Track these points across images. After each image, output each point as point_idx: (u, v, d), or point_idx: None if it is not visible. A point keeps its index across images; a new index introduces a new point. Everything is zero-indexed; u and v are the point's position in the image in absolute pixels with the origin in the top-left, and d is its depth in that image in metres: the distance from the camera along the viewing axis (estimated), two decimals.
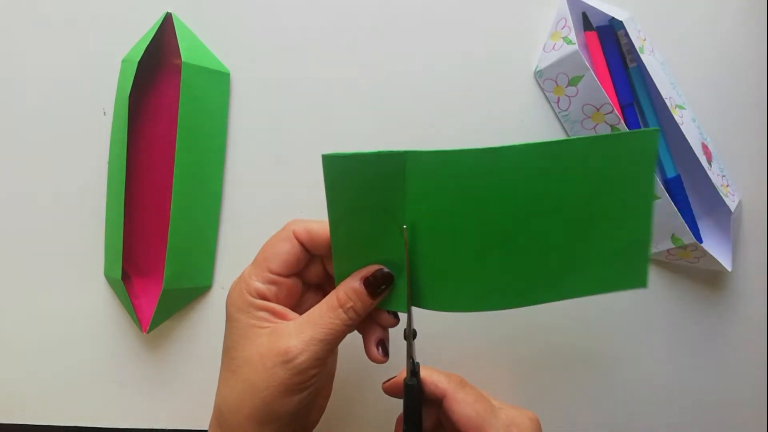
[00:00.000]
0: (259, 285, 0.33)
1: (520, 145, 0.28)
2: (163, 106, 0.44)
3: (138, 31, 0.44)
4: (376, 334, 0.34)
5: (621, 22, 0.43)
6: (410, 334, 0.33)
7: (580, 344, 0.47)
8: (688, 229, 0.42)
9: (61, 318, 0.46)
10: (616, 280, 0.31)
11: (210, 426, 0.34)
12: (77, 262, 0.46)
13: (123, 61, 0.44)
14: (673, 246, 0.44)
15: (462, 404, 0.33)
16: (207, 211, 0.45)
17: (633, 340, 0.47)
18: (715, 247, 0.44)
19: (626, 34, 0.43)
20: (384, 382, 0.36)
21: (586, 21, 0.44)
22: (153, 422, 0.46)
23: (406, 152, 0.29)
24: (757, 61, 0.47)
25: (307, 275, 0.35)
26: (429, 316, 0.34)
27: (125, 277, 0.44)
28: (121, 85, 0.43)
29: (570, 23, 0.43)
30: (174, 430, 0.46)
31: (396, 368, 0.35)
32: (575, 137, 0.28)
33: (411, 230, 0.31)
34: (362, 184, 0.30)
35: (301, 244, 0.33)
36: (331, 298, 0.32)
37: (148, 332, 0.44)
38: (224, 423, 0.33)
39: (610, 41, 0.44)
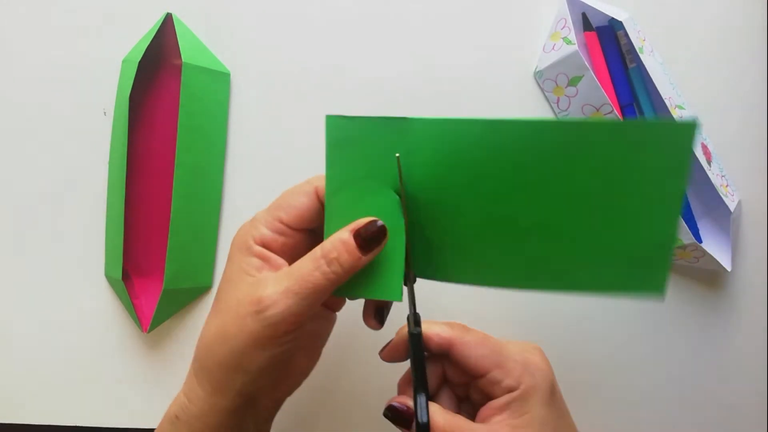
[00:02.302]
0: (266, 232, 0.31)
1: (534, 120, 0.26)
2: (164, 106, 0.44)
3: (138, 32, 0.44)
4: (375, 302, 0.33)
5: (620, 22, 0.43)
6: (411, 279, 0.31)
7: (578, 345, 0.47)
8: (687, 229, 0.42)
9: (61, 318, 0.46)
10: (629, 283, 0.28)
11: (190, 367, 0.33)
12: (78, 262, 0.46)
13: (123, 62, 0.44)
14: None
15: (473, 346, 0.31)
16: (207, 211, 0.45)
17: (632, 339, 0.47)
18: (714, 247, 0.44)
19: (626, 35, 0.44)
20: (381, 350, 0.34)
21: (586, 21, 0.45)
22: (153, 422, 0.46)
23: (410, 119, 0.28)
24: (756, 62, 0.47)
25: (320, 232, 0.33)
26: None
27: (125, 277, 0.44)
28: (122, 86, 0.43)
29: (570, 23, 0.43)
30: None
31: (386, 338, 0.34)
32: (600, 119, 0.25)
33: (409, 201, 0.30)
34: (363, 150, 0.29)
35: (321, 202, 0.32)
36: (314, 251, 0.30)
37: (149, 332, 0.44)
38: (198, 368, 0.31)
39: (609, 41, 0.44)
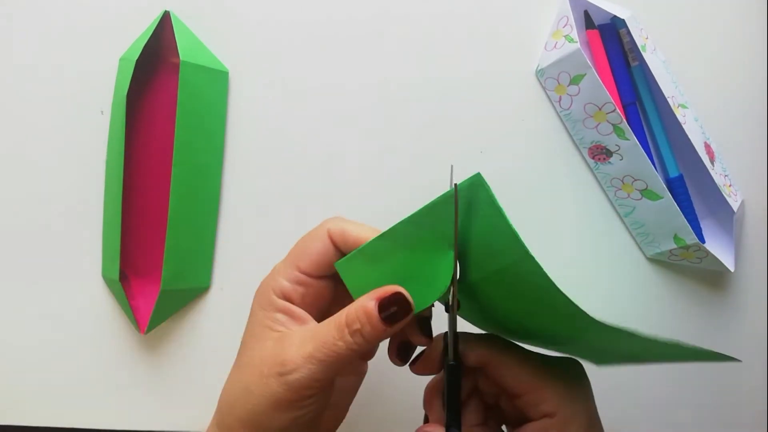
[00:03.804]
0: (285, 284, 0.30)
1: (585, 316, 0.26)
2: (162, 105, 0.44)
3: (136, 30, 0.44)
4: (400, 337, 0.31)
5: (623, 20, 0.42)
6: (454, 308, 0.29)
7: None
8: (690, 229, 0.42)
9: (58, 319, 0.45)
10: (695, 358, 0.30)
11: (212, 419, 0.33)
12: (74, 262, 0.45)
13: (121, 60, 0.43)
14: (676, 246, 0.43)
15: (510, 366, 0.30)
16: (205, 211, 0.45)
17: None
18: (717, 248, 0.44)
19: (628, 33, 0.43)
20: (411, 363, 0.32)
21: (588, 19, 0.44)
22: (151, 424, 0.46)
23: (527, 251, 0.25)
24: (759, 60, 0.47)
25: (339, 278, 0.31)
26: None
27: (123, 277, 0.43)
28: (119, 84, 0.43)
29: (572, 21, 0.43)
30: None
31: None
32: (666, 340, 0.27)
33: (467, 281, 0.29)
34: (448, 217, 0.27)
35: (335, 244, 0.30)
36: (340, 315, 0.29)
37: (146, 333, 0.44)
38: (221, 421, 0.31)
39: (612, 40, 0.44)
